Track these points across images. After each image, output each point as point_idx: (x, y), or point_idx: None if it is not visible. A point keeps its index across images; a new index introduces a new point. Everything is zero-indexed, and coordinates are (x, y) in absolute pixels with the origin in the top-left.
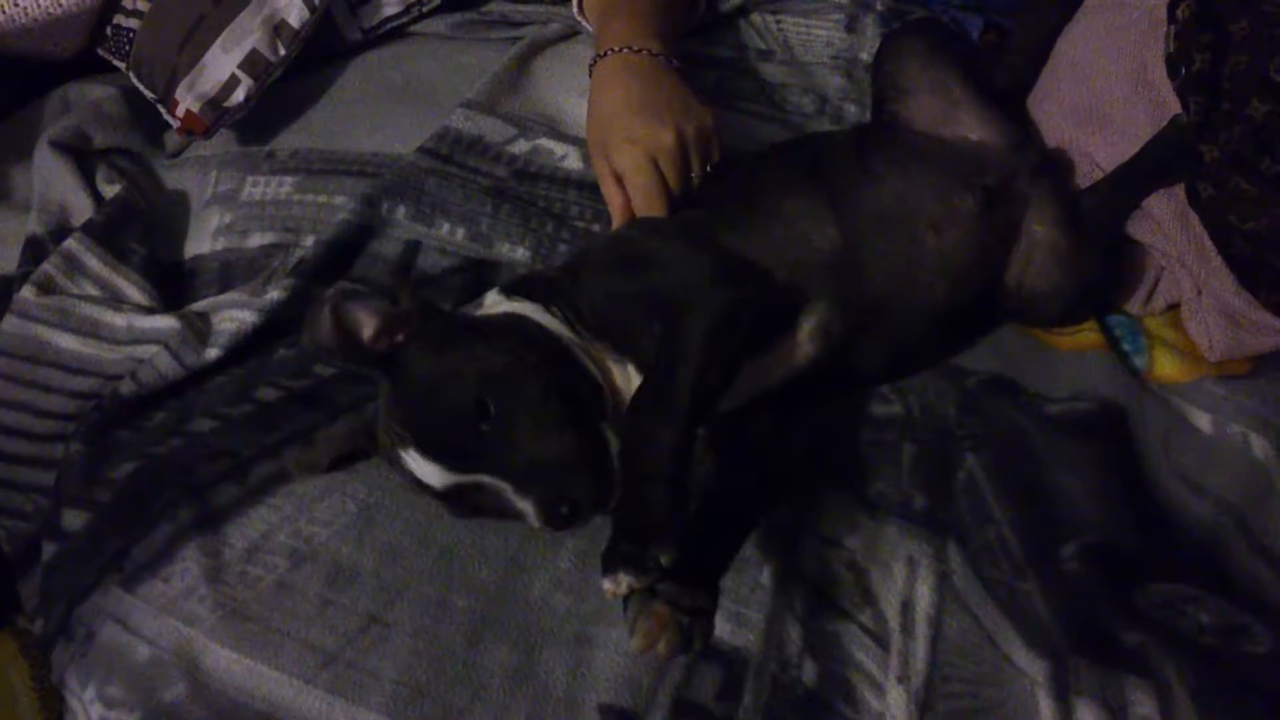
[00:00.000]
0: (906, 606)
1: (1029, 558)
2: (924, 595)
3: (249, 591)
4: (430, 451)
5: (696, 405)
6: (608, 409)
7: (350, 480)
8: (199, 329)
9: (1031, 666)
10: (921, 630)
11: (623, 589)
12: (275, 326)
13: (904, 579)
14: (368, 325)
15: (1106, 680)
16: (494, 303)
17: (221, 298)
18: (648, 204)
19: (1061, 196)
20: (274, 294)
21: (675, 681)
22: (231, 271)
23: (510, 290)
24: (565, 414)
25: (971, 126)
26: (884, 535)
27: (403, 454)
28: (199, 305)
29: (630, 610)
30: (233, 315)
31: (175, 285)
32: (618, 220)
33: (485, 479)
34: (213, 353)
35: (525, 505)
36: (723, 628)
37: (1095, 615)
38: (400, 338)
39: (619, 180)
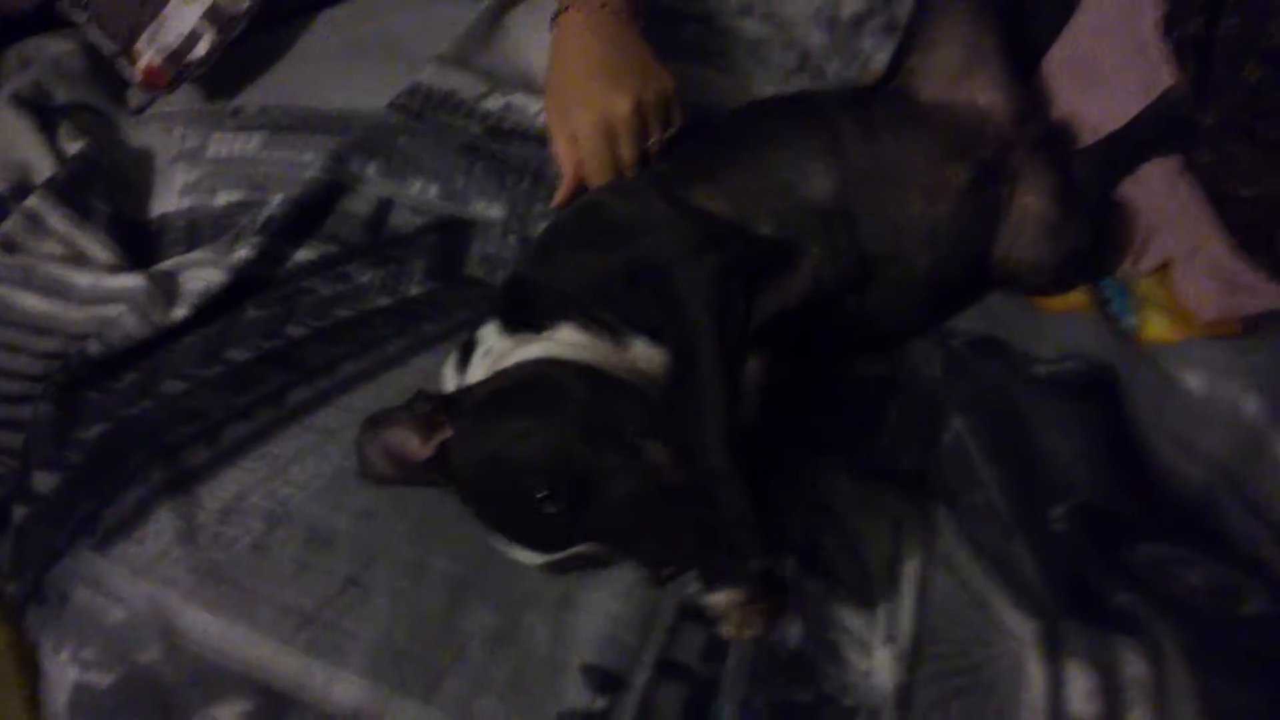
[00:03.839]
0: (893, 568)
1: (1017, 519)
2: (910, 556)
3: (224, 554)
4: (516, 541)
5: (726, 385)
6: (650, 406)
7: (326, 442)
8: (166, 288)
9: (1020, 627)
10: (908, 592)
11: (733, 605)
12: (244, 285)
13: (890, 541)
14: (411, 439)
15: (1097, 640)
16: (503, 350)
17: (189, 256)
18: (598, 171)
19: (1056, 168)
20: (242, 252)
21: (660, 642)
22: (199, 230)
23: (509, 322)
24: (623, 462)
25: (983, 89)
26: (870, 497)
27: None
28: (166, 264)
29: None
30: (200, 274)
31: (142, 244)
32: (567, 180)
33: (580, 550)
34: (180, 312)
35: (630, 564)
36: None
37: (1085, 576)
38: (447, 432)
39: (574, 139)
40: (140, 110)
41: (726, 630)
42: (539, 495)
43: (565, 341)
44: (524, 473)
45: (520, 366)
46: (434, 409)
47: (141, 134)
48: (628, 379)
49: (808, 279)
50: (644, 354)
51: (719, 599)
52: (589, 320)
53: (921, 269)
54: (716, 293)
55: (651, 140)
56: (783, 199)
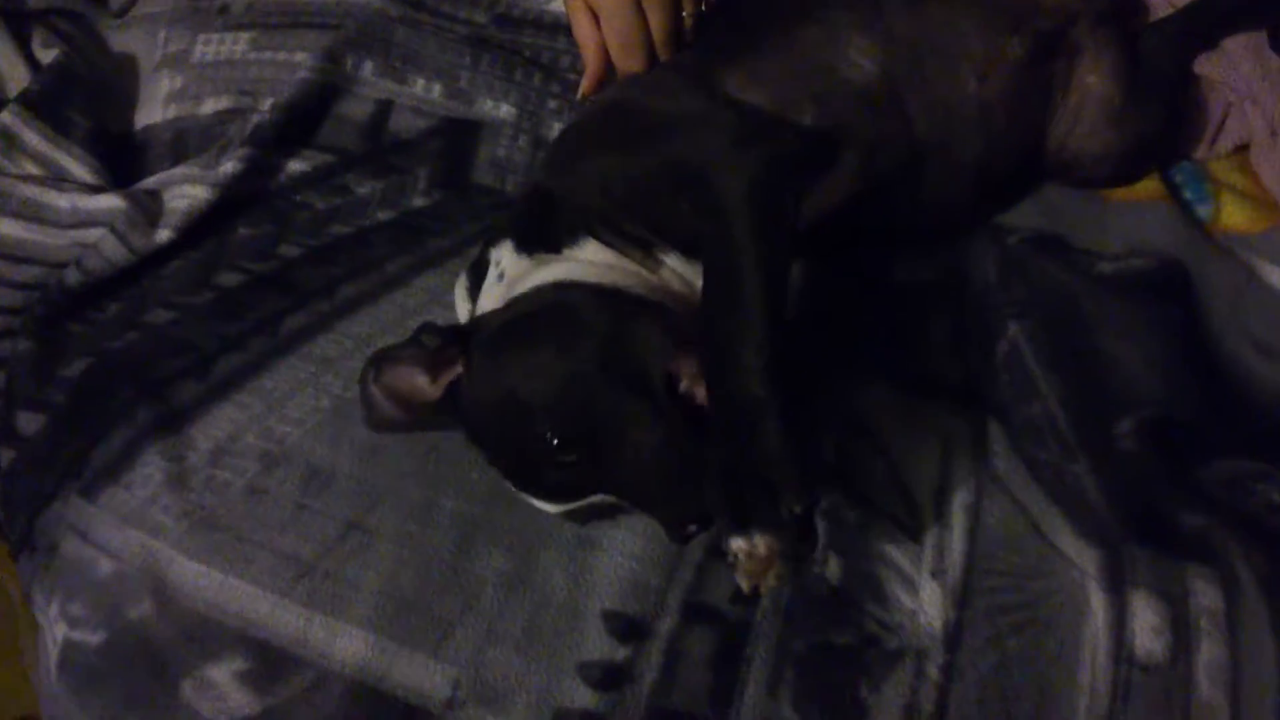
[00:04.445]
0: (941, 494)
1: (1079, 436)
2: (961, 481)
3: (216, 498)
4: (527, 489)
5: (769, 297)
6: (683, 331)
7: (324, 373)
8: (149, 208)
9: (1081, 556)
10: (958, 519)
11: (762, 551)
12: (234, 203)
13: (938, 463)
14: (419, 377)
15: (1165, 569)
16: (518, 273)
17: (173, 172)
18: (626, 49)
19: (1123, 44)
20: (229, 166)
21: (686, 583)
22: (185, 142)
23: (525, 240)
24: (645, 410)
25: None
26: (915, 415)
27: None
28: (149, 182)
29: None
30: (184, 192)
31: (126, 160)
32: (591, 65)
33: (596, 499)
34: (164, 234)
35: (650, 518)
36: None
37: (1153, 498)
38: (459, 368)
39: (595, 17)
40: (122, 12)
41: (741, 581)
42: (552, 442)
43: (588, 260)
44: (535, 417)
45: (539, 291)
46: (443, 343)
47: (123, 38)
48: (659, 301)
49: (855, 173)
50: (679, 271)
51: (740, 545)
52: (616, 234)
53: (972, 155)
54: (759, 190)
55: (685, 13)
56: (823, 82)
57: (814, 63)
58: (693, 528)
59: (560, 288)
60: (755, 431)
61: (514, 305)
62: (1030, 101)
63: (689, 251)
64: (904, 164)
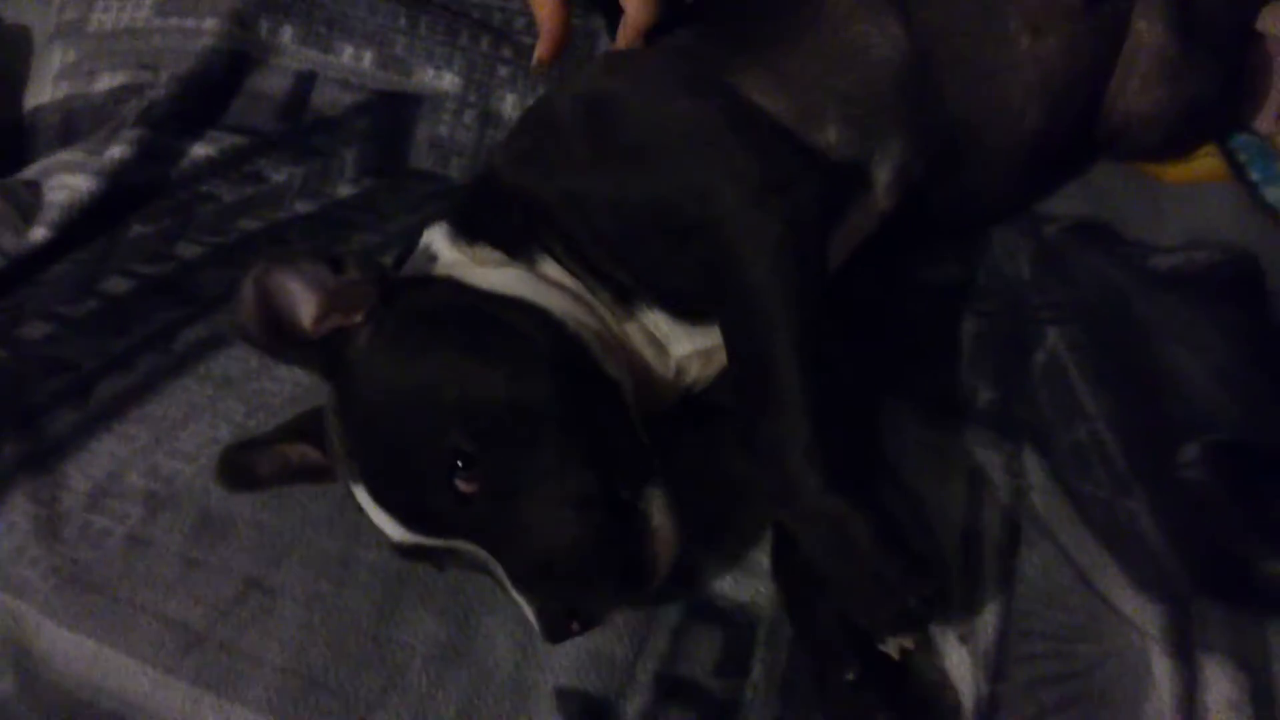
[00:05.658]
0: (970, 538)
1: (1134, 465)
2: (993, 522)
3: (92, 551)
4: (385, 502)
5: (810, 382)
6: (632, 412)
7: (224, 396)
8: (25, 203)
9: (1141, 614)
10: (990, 569)
11: (911, 645)
12: (126, 194)
13: (966, 501)
14: (305, 304)
15: (1243, 628)
16: (454, 264)
17: (53, 159)
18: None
19: None
20: (116, 150)
21: (660, 653)
22: (74, 124)
23: (467, 228)
24: (589, 479)
25: None
26: (939, 443)
27: (352, 486)
28: (28, 172)
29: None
30: (65, 182)
31: (13, 148)
32: (547, 25)
33: (463, 546)
34: (40, 233)
35: (519, 598)
36: (722, 580)
37: (1225, 540)
38: (356, 318)
39: None
40: None
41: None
42: (453, 459)
43: (549, 280)
44: (452, 420)
45: (488, 297)
46: (367, 279)
47: (15, 9)
48: (615, 375)
49: (888, 197)
50: (653, 330)
51: (896, 646)
52: (586, 269)
53: (1029, 128)
54: (788, 252)
55: None
56: (851, 73)
57: (845, 39)
58: (575, 626)
59: (521, 305)
60: (850, 543)
61: (460, 290)
62: (1092, 55)
63: (675, 309)
64: (944, 158)
